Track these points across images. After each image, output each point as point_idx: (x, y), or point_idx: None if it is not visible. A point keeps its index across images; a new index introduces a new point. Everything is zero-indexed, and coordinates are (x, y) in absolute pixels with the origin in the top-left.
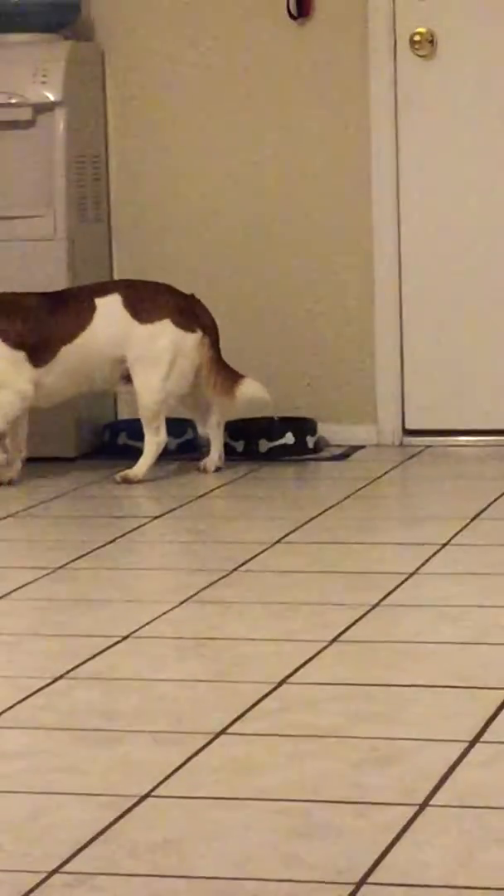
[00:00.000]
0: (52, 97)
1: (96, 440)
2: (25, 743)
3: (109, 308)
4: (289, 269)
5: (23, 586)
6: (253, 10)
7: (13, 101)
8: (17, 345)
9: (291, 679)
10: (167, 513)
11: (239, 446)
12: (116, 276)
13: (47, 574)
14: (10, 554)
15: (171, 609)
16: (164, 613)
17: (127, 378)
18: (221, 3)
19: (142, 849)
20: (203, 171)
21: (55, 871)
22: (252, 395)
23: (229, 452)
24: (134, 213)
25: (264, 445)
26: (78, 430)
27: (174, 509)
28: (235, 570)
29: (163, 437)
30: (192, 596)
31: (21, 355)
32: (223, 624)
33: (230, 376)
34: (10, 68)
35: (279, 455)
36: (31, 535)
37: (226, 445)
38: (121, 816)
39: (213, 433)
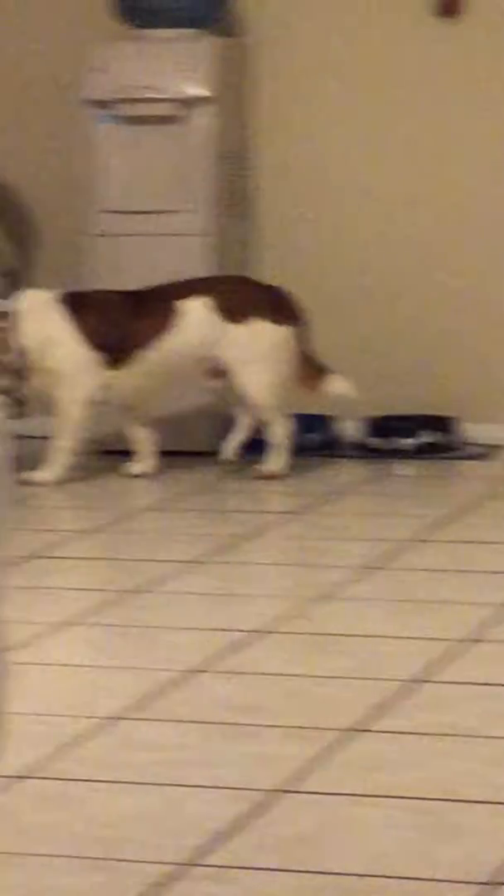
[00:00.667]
0: (199, 93)
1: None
2: (162, 735)
3: (196, 310)
4: (433, 267)
5: (161, 579)
6: (403, 6)
7: (161, 96)
8: (95, 346)
9: (428, 677)
10: (305, 509)
11: (379, 444)
12: (261, 273)
13: (186, 567)
14: (150, 546)
15: (308, 605)
16: (301, 609)
17: (214, 374)
18: (371, 1)
19: (275, 843)
20: (350, 170)
21: (189, 864)
22: (337, 392)
23: (369, 450)
24: (279, 209)
25: (404, 443)
26: (217, 423)
27: (313, 505)
28: (373, 567)
29: (287, 425)
30: (328, 592)
31: (95, 356)
32: (361, 621)
33: (318, 370)
34: (160, 64)
35: (419, 453)
36: (170, 528)
37: (366, 443)
38: (255, 811)
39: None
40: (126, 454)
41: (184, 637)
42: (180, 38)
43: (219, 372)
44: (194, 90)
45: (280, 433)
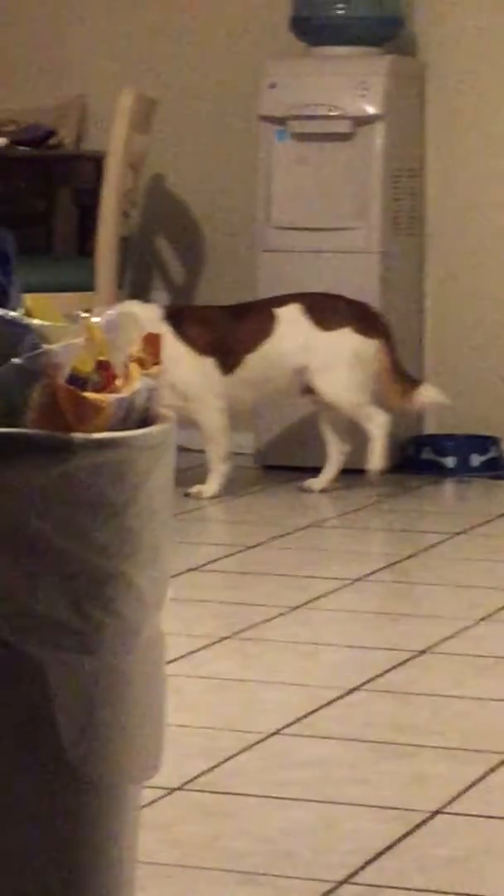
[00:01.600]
0: (372, 111)
1: (400, 454)
2: (319, 752)
3: (290, 314)
4: None
5: (321, 596)
6: None
7: (334, 113)
8: (203, 352)
9: None
10: (468, 529)
11: None
12: (428, 292)
13: (346, 585)
14: (311, 563)
15: (469, 626)
16: (462, 630)
17: (307, 389)
18: None
19: (431, 864)
20: None
21: (345, 881)
22: (432, 400)
23: None
24: (448, 228)
25: None
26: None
27: (476, 526)
28: None
29: (382, 417)
30: (491, 614)
31: (208, 361)
32: None
33: (410, 382)
34: (333, 81)
35: None
36: (331, 546)
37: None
38: (411, 831)
39: (335, 459)
40: (292, 469)
41: (344, 655)
42: (355, 55)
43: (310, 387)
44: (368, 108)
45: (375, 427)
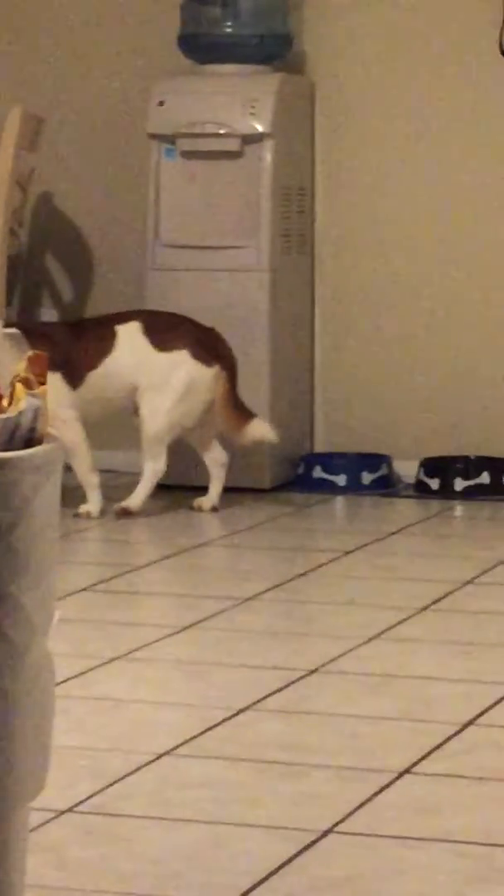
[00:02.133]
0: (260, 129)
1: (291, 472)
2: (210, 773)
3: (129, 334)
4: (489, 305)
5: (212, 616)
6: (464, 46)
7: (222, 131)
8: (51, 368)
9: (479, 720)
10: (359, 548)
11: (434, 484)
12: (318, 309)
13: (237, 604)
14: (201, 583)
15: (360, 645)
16: (353, 649)
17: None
18: (433, 39)
19: (322, 884)
20: (409, 207)
21: None
22: (258, 437)
23: (424, 490)
24: (337, 246)
25: (460, 484)
26: (272, 461)
27: (367, 544)
28: (426, 608)
29: (162, 465)
30: (381, 632)
31: (56, 375)
32: (411, 662)
33: (241, 415)
34: (221, 99)
35: (474, 494)
36: (222, 565)
37: (420, 483)
38: (302, 851)
39: (215, 471)
40: (182, 488)
41: (235, 674)
42: (243, 73)
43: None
44: (257, 126)
45: (152, 471)
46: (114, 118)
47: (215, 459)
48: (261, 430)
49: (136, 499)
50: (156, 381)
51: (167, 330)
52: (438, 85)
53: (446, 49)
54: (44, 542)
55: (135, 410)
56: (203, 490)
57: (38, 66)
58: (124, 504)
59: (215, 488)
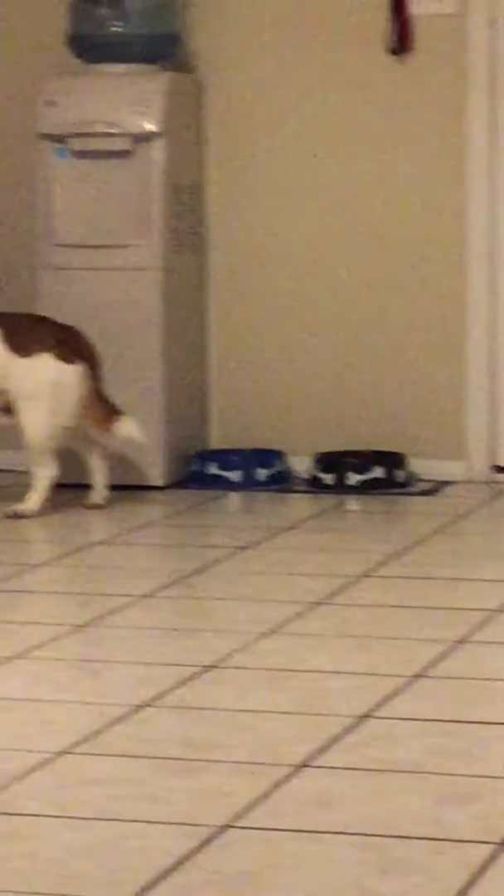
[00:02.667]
0: (150, 127)
1: (186, 469)
2: (108, 770)
3: None
4: (381, 303)
5: (109, 614)
6: (353, 45)
7: (113, 130)
8: None
9: (374, 713)
10: (254, 544)
11: (328, 479)
12: (211, 307)
13: (134, 602)
14: (97, 581)
15: (257, 640)
16: (249, 644)
17: (6, 410)
18: (322, 37)
19: (220, 879)
20: (299, 203)
21: None
22: (126, 435)
23: (318, 485)
24: (230, 243)
25: (353, 479)
26: (167, 458)
27: (262, 540)
28: (321, 602)
29: (51, 470)
30: (277, 627)
31: None
32: (308, 656)
33: (108, 411)
34: (111, 98)
35: (368, 489)
36: (118, 563)
37: (315, 478)
38: (201, 846)
39: (97, 466)
40: (79, 487)
41: (132, 671)
42: (133, 73)
43: (9, 408)
44: (147, 125)
45: (42, 477)
46: (4, 118)
47: (95, 453)
48: (128, 428)
49: (29, 503)
50: (26, 389)
51: (26, 333)
52: (327, 82)
53: (334, 47)
54: None
55: (3, 409)
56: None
57: None
58: (17, 508)
59: (100, 482)
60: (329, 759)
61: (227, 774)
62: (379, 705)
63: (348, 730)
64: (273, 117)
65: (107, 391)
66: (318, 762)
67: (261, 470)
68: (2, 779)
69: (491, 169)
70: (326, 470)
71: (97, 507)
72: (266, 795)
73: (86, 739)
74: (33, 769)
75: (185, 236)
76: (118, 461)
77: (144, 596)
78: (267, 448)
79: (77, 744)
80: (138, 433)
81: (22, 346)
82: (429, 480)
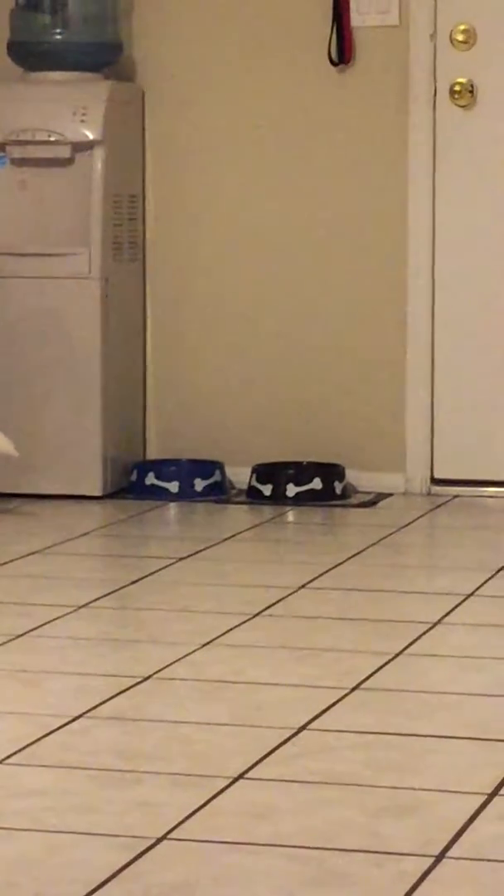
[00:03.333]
0: (91, 136)
1: (124, 479)
2: (43, 781)
3: None
4: (320, 314)
5: (45, 623)
6: (294, 56)
7: (52, 138)
8: None
9: (312, 725)
10: (192, 554)
11: (266, 490)
12: (149, 316)
13: (70, 612)
14: (34, 591)
15: (193, 651)
16: (186, 655)
17: None
18: (263, 48)
19: (156, 891)
20: (238, 214)
21: None
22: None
23: (256, 496)
24: (169, 253)
25: (292, 490)
26: (105, 468)
27: (200, 551)
28: (259, 614)
29: None
30: (214, 639)
31: None
32: (245, 668)
33: None
34: (51, 106)
35: (306, 500)
36: (54, 573)
37: (253, 489)
38: (136, 857)
39: None
40: (11, 496)
41: (68, 682)
42: (73, 80)
43: None
44: (87, 133)
45: None
46: None
47: None
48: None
49: None
50: None
51: None
52: (268, 92)
53: (276, 56)
54: None
55: None
56: (30, 496)
57: None
58: None
59: None
60: (266, 770)
61: (164, 786)
62: (316, 717)
63: (286, 742)
64: (214, 127)
65: None
66: (255, 774)
67: (199, 480)
68: None
69: (433, 180)
70: (265, 481)
71: None
72: (202, 807)
73: (21, 750)
74: None
75: (124, 245)
76: (49, 470)
77: (81, 606)
78: (205, 459)
79: (12, 755)
80: (10, 447)
81: None
82: (367, 492)
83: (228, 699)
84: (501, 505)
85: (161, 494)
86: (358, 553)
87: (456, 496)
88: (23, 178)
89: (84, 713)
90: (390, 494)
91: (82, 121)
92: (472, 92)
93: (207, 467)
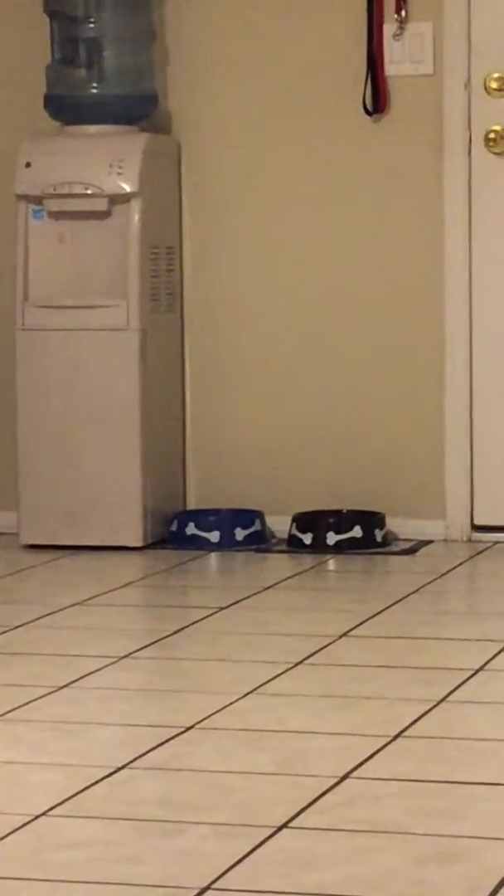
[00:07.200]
0: (127, 188)
1: (164, 530)
2: (87, 832)
3: None
4: (357, 363)
5: (88, 674)
6: (329, 106)
7: (89, 191)
8: None
9: (355, 773)
10: (234, 604)
11: (307, 539)
12: (188, 367)
13: (112, 663)
14: (76, 642)
15: (236, 700)
16: (229, 704)
17: None
18: (298, 98)
19: None
20: (275, 264)
21: None
22: None
23: (297, 545)
24: (206, 304)
25: (332, 538)
26: (145, 519)
27: (241, 600)
28: (300, 662)
29: None
30: (256, 688)
31: None
32: (287, 716)
33: None
34: (88, 159)
35: (347, 548)
36: (96, 623)
37: (293, 538)
38: None
39: None
40: (55, 548)
41: (112, 733)
42: (110, 133)
43: None
44: (124, 186)
45: None
46: None
47: None
48: None
49: None
50: None
51: None
52: (303, 143)
53: (310, 107)
54: None
55: None
56: (71, 548)
57: None
58: None
59: None
60: (310, 819)
61: (207, 836)
62: (360, 765)
63: (328, 790)
64: (249, 177)
65: None
66: (299, 823)
67: (239, 530)
68: None
69: (469, 230)
70: (305, 530)
71: None
72: (246, 857)
73: (65, 801)
74: (11, 832)
75: (161, 297)
76: (92, 522)
77: (124, 657)
78: (245, 508)
79: (56, 806)
80: None
81: None
82: (408, 540)
83: (271, 748)
84: None
85: (202, 544)
86: (399, 600)
87: (496, 542)
88: (60, 231)
89: (127, 763)
90: (430, 541)
91: (119, 173)
92: None
93: (247, 517)
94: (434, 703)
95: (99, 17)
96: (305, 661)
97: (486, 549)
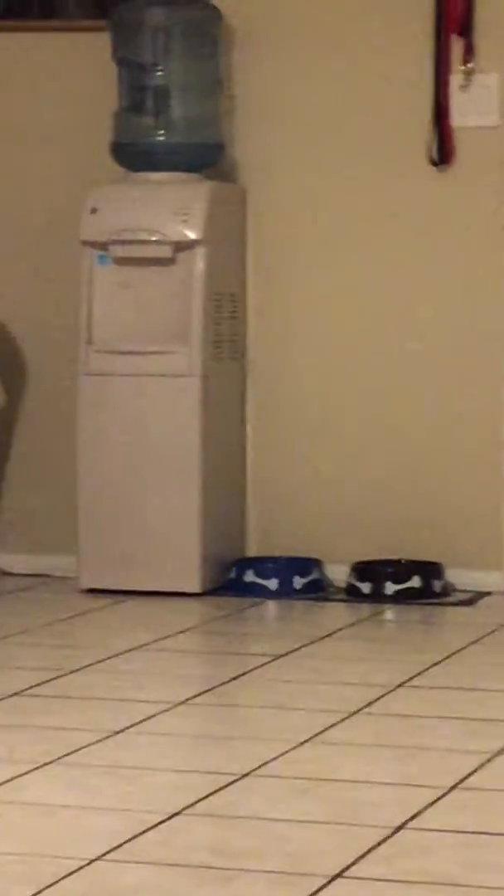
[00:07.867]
0: (192, 236)
1: (223, 576)
2: (140, 878)
3: None
4: (418, 413)
5: (144, 720)
6: (395, 156)
7: (154, 238)
8: None
9: (410, 824)
10: (291, 652)
11: (365, 588)
12: (249, 415)
13: (169, 708)
14: (133, 687)
15: (291, 749)
16: (284, 753)
17: None
18: (363, 149)
19: None
20: (339, 313)
21: None
22: None
23: (355, 594)
24: (269, 351)
25: (390, 588)
26: (204, 566)
27: (298, 648)
28: (357, 712)
29: None
30: (312, 736)
31: None
32: (342, 766)
33: None
34: (153, 206)
35: (405, 598)
36: (154, 669)
37: (352, 587)
38: None
39: None
40: (115, 592)
41: (167, 778)
42: (175, 181)
43: None
44: (189, 233)
45: None
46: (50, 226)
47: None
48: None
49: None
50: None
51: None
52: (368, 192)
53: (376, 157)
54: None
55: None
56: (129, 593)
57: None
58: None
59: None
60: (363, 869)
61: (260, 884)
62: (414, 816)
63: (382, 841)
64: (313, 226)
65: None
66: (352, 873)
67: (298, 578)
68: (36, 885)
69: None
70: (363, 579)
71: None
72: None
73: (119, 846)
74: (67, 876)
75: (224, 344)
76: (149, 568)
77: (180, 703)
78: (304, 556)
79: (111, 851)
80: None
81: None
82: (466, 590)
83: (326, 797)
84: None
85: (260, 592)
86: (457, 651)
87: None
88: (125, 277)
89: (181, 810)
90: (489, 593)
91: (184, 221)
92: None
93: (306, 565)
94: (491, 755)
95: (167, 65)
96: (362, 711)
97: None
